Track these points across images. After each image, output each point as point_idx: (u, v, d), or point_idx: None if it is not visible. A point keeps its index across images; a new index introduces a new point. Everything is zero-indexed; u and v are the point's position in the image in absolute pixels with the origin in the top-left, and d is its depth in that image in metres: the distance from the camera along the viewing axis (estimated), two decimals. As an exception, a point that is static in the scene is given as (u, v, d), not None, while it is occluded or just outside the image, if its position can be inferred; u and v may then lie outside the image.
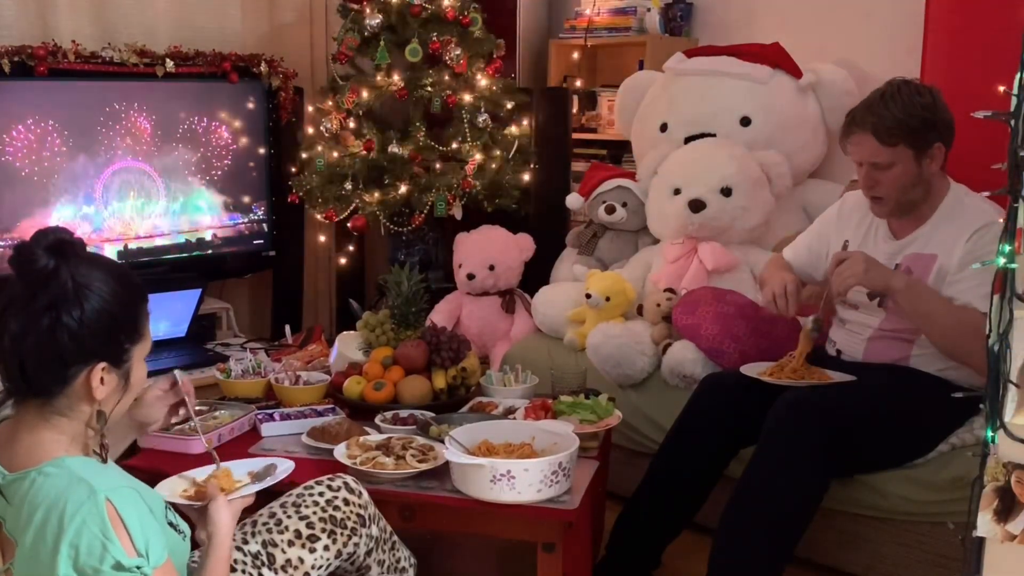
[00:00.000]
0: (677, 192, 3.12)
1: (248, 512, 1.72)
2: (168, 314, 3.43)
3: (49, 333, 1.36)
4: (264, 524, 1.76)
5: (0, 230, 3.19)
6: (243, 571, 1.65)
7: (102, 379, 1.40)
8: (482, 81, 3.60)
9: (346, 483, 1.82)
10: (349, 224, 3.55)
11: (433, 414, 2.34)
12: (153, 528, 1.37)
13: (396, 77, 3.53)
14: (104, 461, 1.45)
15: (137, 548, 1.32)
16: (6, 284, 1.40)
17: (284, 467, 1.79)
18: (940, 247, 2.28)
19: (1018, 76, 1.34)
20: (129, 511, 1.33)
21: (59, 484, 1.34)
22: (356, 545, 1.79)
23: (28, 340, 1.36)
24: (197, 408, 1.96)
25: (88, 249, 1.45)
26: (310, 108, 3.87)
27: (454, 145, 3.58)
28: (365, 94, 3.55)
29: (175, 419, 1.77)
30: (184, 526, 1.56)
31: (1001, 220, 2.12)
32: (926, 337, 2.28)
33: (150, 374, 1.55)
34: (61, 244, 1.39)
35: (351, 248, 4.01)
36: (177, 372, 1.73)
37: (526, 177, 3.67)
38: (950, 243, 2.26)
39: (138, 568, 1.31)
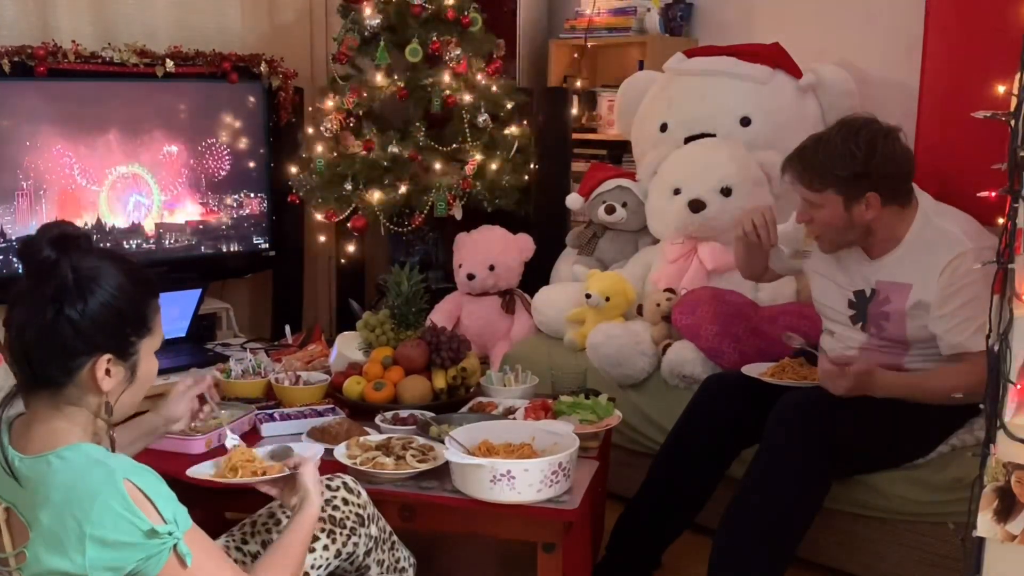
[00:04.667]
0: (677, 192, 3.12)
1: (248, 512, 1.72)
2: (168, 314, 3.42)
3: (52, 324, 1.37)
4: (264, 524, 1.77)
5: (-1, 230, 3.19)
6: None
7: (108, 371, 1.41)
8: (482, 81, 3.60)
9: (345, 483, 1.83)
10: (349, 224, 3.55)
11: (433, 414, 2.33)
12: (174, 498, 1.38)
13: (396, 77, 3.52)
14: (112, 451, 1.47)
15: (164, 516, 1.33)
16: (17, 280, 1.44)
17: (306, 448, 1.89)
18: (915, 277, 2.23)
19: (1018, 76, 1.34)
20: (149, 485, 1.34)
21: (77, 467, 1.34)
22: (355, 545, 1.79)
23: (31, 330, 1.38)
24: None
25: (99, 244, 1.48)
26: (310, 108, 3.86)
27: (454, 145, 3.58)
28: (365, 94, 3.55)
29: (198, 419, 1.89)
30: None
31: (971, 246, 2.13)
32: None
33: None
34: (64, 238, 1.42)
35: (351, 248, 4.01)
36: (194, 370, 1.78)
37: (526, 177, 3.67)
38: (924, 275, 2.21)
39: (170, 534, 1.33)
